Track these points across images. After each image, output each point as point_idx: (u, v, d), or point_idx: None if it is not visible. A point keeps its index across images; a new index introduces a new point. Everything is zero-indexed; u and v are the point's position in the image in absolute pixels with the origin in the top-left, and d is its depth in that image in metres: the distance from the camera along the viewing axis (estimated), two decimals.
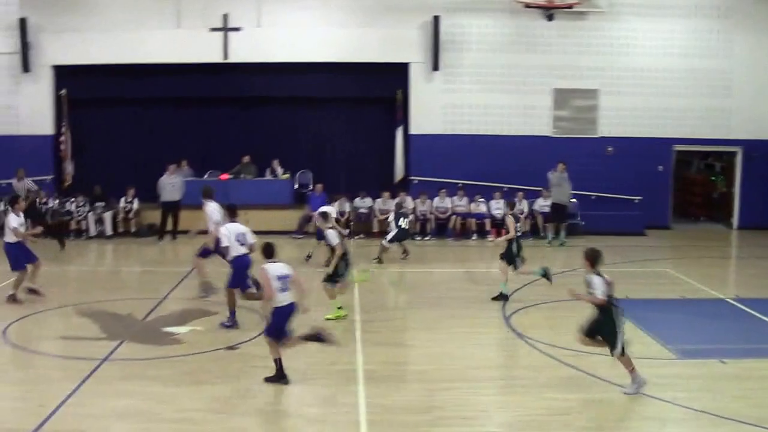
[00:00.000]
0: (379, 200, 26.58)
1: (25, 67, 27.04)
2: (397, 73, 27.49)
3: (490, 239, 25.39)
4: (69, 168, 27.47)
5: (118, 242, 25.49)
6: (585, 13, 26.84)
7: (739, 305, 17.50)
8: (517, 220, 17.95)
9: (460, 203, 26.56)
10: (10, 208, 17.24)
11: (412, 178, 27.52)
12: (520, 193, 26.39)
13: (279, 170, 27.33)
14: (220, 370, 12.66)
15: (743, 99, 27.73)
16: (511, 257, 17.58)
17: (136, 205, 26.42)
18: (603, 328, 11.63)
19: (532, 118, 27.51)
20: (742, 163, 28.38)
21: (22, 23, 26.78)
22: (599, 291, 11.54)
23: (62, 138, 27.43)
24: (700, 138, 27.89)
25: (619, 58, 27.41)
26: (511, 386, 12.02)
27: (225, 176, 26.92)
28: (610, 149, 27.42)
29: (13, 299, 16.61)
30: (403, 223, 22.51)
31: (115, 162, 28.00)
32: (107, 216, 26.15)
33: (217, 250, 16.54)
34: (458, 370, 12.79)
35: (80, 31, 26.89)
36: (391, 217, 22.94)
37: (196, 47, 26.94)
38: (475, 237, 26.07)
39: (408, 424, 10.59)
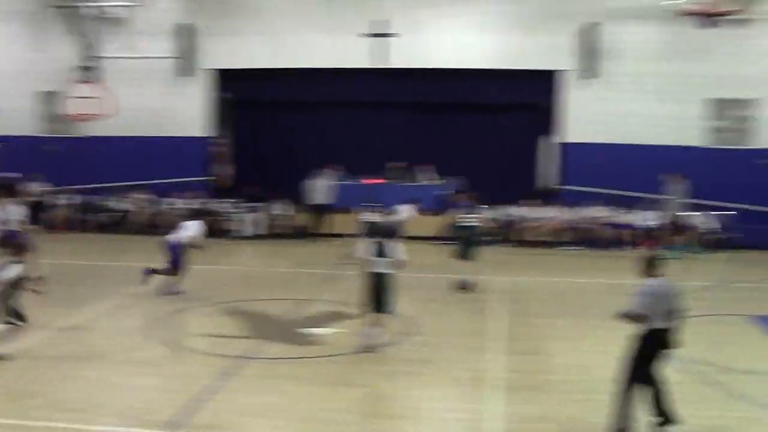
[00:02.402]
0: (526, 208, 26.38)
1: (187, 70, 27.95)
2: (550, 80, 27.33)
3: (640, 250, 25.03)
4: (227, 170, 28.25)
5: (268, 243, 26.05)
6: (747, 20, 25.84)
7: None
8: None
9: (611, 213, 26.12)
10: None
11: (563, 186, 27.21)
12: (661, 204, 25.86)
13: (430, 176, 27.45)
14: (359, 373, 12.79)
15: None
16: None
17: (288, 207, 26.94)
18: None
19: (687, 128, 26.76)
20: None
21: (185, 27, 27.71)
22: None
23: (222, 140, 28.24)
24: None
25: None
26: None
27: (376, 181, 27.19)
28: None
29: None
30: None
31: (270, 164, 28.74)
32: (259, 217, 26.75)
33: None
34: (600, 382, 12.54)
35: (240, 35, 27.75)
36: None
37: (354, 52, 27.39)
38: (624, 247, 25.55)
39: None
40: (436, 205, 26.03)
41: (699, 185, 25.35)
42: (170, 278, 17.90)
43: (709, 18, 23.44)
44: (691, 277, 21.12)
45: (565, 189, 27.20)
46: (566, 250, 25.58)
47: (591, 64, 26.67)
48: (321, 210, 26.23)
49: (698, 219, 25.92)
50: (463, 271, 19.04)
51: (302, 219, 26.97)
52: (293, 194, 27.05)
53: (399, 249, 13.98)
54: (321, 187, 26.22)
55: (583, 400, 11.72)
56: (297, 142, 28.95)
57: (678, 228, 25.11)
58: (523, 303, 18.39)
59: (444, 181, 27.44)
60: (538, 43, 26.89)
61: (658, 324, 10.38)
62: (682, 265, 23.40)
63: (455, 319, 16.28)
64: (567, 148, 27.32)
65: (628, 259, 24.14)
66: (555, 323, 16.76)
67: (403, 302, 17.11)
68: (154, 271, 17.97)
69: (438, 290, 18.83)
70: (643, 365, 10.47)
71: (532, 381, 12.65)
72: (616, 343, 14.74)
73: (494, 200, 26.33)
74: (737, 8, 23.40)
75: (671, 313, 10.45)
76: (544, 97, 27.36)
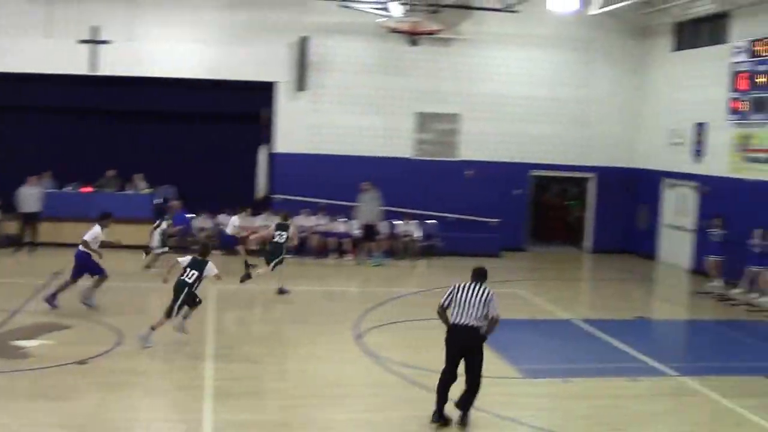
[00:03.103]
0: (238, 217, 26.57)
1: None
2: (265, 91, 27.66)
3: (348, 258, 25.76)
4: None
5: None
6: (449, 39, 27.53)
7: (586, 326, 18.19)
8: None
9: (321, 222, 26.75)
10: None
11: (275, 195, 27.64)
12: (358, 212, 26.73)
13: (141, 184, 27.15)
14: (69, 385, 12.53)
15: (600, 127, 29.07)
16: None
17: None
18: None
19: (396, 139, 28.05)
20: (596, 189, 29.48)
21: None
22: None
23: None
24: (557, 164, 28.91)
25: (481, 84, 28.23)
26: (361, 404, 12.26)
27: (87, 189, 26.60)
28: (469, 172, 28.12)
29: None
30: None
31: None
32: None
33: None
34: (312, 387, 12.99)
35: None
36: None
37: (66, 58, 26.40)
38: (334, 256, 26.19)
39: None
40: (148, 214, 25.73)
41: (406, 195, 26.76)
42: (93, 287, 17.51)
43: (412, 36, 24.49)
44: (396, 284, 22.17)
45: (276, 198, 27.57)
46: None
47: (302, 76, 27.23)
48: (30, 218, 25.35)
49: (403, 227, 27.00)
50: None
51: (10, 227, 25.96)
52: (1, 202, 25.97)
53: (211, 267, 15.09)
54: (31, 194, 25.33)
55: (295, 406, 12.09)
56: (6, 149, 27.70)
57: (372, 235, 26.07)
58: (241, 311, 18.73)
59: (154, 190, 27.25)
60: (256, 54, 27.12)
61: (459, 321, 11.27)
62: (386, 272, 24.50)
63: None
64: (279, 158, 27.73)
65: (336, 266, 25.12)
66: (274, 330, 17.21)
67: (114, 312, 16.99)
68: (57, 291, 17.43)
69: (150, 298, 18.71)
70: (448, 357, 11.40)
71: (248, 388, 12.92)
72: (333, 349, 15.40)
73: (211, 209, 26.49)
74: (438, 28, 24.60)
75: (475, 316, 11.26)
76: (260, 108, 27.61)
